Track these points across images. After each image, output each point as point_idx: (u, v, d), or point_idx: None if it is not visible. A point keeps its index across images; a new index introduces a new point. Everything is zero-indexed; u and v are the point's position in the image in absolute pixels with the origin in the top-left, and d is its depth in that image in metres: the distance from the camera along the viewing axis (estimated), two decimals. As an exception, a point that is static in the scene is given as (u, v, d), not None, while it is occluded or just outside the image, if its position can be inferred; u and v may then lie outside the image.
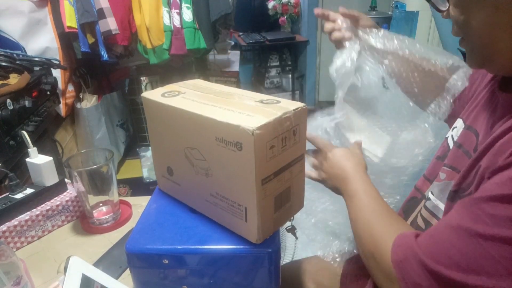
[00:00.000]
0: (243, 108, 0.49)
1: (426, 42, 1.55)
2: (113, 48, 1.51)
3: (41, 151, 0.79)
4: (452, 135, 0.61)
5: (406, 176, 0.74)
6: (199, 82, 0.64)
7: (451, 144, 0.60)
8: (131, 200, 0.86)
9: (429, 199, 0.57)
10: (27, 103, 1.04)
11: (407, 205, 0.66)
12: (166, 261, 0.51)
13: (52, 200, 0.77)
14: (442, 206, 0.53)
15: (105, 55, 1.43)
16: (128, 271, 0.58)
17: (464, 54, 0.53)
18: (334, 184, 0.66)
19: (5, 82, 1.01)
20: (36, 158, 0.77)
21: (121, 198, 0.84)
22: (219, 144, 0.48)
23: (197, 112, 0.49)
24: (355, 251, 0.79)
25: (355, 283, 0.73)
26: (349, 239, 0.79)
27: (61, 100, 1.41)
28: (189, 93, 0.57)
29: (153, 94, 0.57)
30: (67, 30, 1.36)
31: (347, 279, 0.76)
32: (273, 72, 3.54)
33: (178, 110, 0.52)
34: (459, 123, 0.60)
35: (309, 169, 0.73)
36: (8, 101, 0.96)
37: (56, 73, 1.36)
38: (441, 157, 0.61)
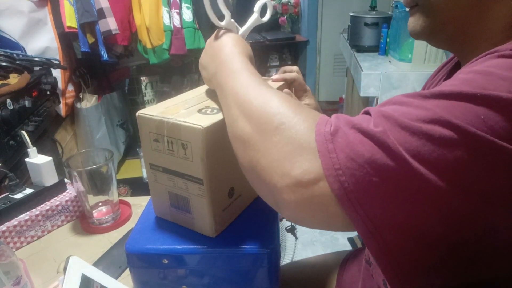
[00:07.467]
0: None
1: (425, 43, 1.54)
2: (113, 48, 1.51)
3: (41, 151, 0.79)
4: None
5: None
6: (181, 97, 0.58)
7: None
8: (131, 200, 0.85)
9: None
10: (27, 103, 1.04)
11: None
12: (166, 261, 0.51)
13: (51, 200, 0.77)
14: None
15: (105, 55, 1.43)
16: (128, 271, 0.58)
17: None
18: (209, 66, 0.52)
19: (5, 82, 1.01)
20: (36, 158, 0.76)
21: (121, 198, 0.84)
22: None
23: None
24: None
25: (353, 284, 0.73)
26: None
27: (61, 100, 1.41)
28: (208, 102, 0.54)
29: (204, 121, 0.46)
30: (67, 30, 1.36)
31: (344, 279, 0.76)
32: (273, 72, 3.54)
33: None
34: None
35: None
36: (8, 101, 0.96)
37: (56, 73, 1.36)
38: None
